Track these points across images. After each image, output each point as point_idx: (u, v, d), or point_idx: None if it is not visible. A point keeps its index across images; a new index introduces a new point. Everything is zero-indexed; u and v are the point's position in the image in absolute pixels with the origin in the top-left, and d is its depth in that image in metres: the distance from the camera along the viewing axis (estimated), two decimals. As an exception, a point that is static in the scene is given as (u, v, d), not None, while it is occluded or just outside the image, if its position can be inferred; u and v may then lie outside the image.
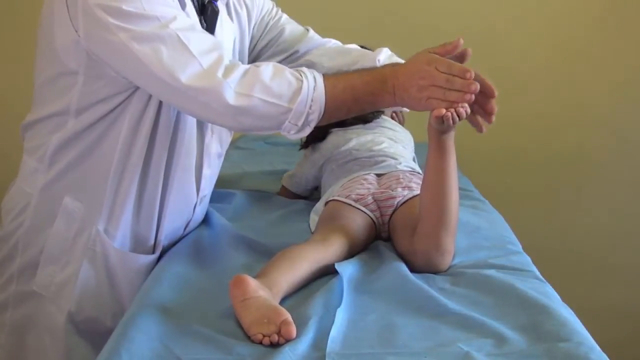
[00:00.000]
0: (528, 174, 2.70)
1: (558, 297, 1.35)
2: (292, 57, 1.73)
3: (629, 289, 2.77)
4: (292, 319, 1.20)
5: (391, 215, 1.62)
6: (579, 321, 1.25)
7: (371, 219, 1.61)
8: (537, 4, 2.60)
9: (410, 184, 1.66)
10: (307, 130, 1.41)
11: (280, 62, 1.71)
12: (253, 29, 1.70)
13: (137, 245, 1.57)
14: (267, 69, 1.39)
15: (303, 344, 1.16)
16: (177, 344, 1.16)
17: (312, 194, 1.97)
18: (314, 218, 1.70)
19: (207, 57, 1.36)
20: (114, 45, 1.36)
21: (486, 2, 2.60)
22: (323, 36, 1.82)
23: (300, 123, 1.39)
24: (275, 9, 1.76)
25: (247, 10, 1.67)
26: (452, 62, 1.38)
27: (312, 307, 1.27)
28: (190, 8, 1.50)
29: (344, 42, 2.05)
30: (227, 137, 1.69)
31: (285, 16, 1.77)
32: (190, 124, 1.54)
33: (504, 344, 1.16)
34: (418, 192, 1.63)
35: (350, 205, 1.62)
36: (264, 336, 1.17)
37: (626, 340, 2.71)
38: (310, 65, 1.66)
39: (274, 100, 1.37)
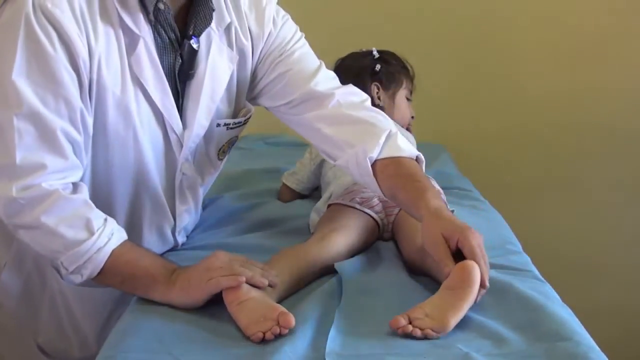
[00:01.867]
0: (527, 173, 2.70)
1: (557, 297, 1.35)
2: (290, 105, 1.55)
3: (628, 289, 2.77)
4: (291, 318, 1.20)
5: (396, 215, 1.62)
6: (578, 321, 1.25)
7: (375, 220, 1.61)
8: (541, 4, 2.59)
9: None
10: (79, 279, 1.35)
11: (279, 106, 1.57)
12: (257, 64, 1.56)
13: None
14: (68, 204, 1.31)
15: (302, 344, 1.16)
16: (176, 345, 1.16)
17: (313, 194, 1.97)
18: (314, 218, 1.70)
19: (26, 167, 1.28)
20: None
21: (488, 3, 2.60)
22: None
23: (70, 269, 1.33)
24: (291, 43, 1.57)
25: (252, 43, 1.53)
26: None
27: (311, 307, 1.27)
28: (144, 49, 1.37)
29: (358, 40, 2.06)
30: (211, 169, 1.59)
31: (300, 52, 1.57)
32: (156, 162, 1.46)
33: (503, 344, 1.16)
34: None
35: (353, 207, 1.62)
36: (264, 334, 1.17)
37: (625, 340, 2.71)
38: (308, 126, 1.54)
39: (51, 237, 1.31)
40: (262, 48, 1.55)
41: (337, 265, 1.42)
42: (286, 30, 1.57)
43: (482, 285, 1.25)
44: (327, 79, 1.57)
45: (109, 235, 1.33)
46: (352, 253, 1.51)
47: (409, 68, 2.05)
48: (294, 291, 1.36)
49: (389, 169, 1.46)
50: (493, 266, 1.45)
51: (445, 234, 1.28)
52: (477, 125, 2.66)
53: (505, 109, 2.65)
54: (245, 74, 1.55)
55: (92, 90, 1.33)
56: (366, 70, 2.00)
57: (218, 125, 1.52)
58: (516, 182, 2.70)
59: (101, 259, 1.32)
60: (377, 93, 1.99)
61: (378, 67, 1.99)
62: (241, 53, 1.52)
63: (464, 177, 2.14)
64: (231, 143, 1.60)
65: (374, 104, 1.93)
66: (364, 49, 2.07)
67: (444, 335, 1.18)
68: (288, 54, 1.56)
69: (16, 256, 1.54)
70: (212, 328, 1.22)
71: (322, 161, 1.90)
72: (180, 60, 1.44)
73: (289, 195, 1.96)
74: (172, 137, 1.46)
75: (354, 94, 1.57)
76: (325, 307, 1.28)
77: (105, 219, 1.35)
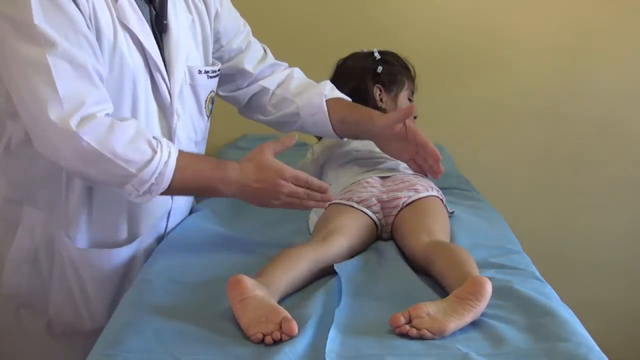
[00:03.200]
0: (527, 173, 2.70)
1: (557, 297, 1.35)
2: (244, 75, 1.81)
3: (628, 289, 2.77)
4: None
5: (395, 216, 1.62)
6: (578, 321, 1.25)
7: (373, 220, 1.61)
8: (539, 3, 2.59)
9: (416, 187, 1.65)
10: (149, 198, 1.43)
11: (242, 71, 1.81)
12: (220, 28, 1.73)
13: (106, 240, 1.58)
14: (126, 130, 1.39)
15: (302, 344, 1.15)
16: (176, 345, 1.16)
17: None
18: (313, 218, 1.70)
19: (70, 100, 1.35)
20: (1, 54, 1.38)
21: (487, 4, 2.60)
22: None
23: (142, 190, 1.41)
24: (243, 21, 1.81)
25: (205, 5, 1.68)
26: (309, 178, 1.50)
27: (311, 307, 1.27)
28: (127, 0, 1.47)
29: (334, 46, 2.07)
30: (201, 123, 1.70)
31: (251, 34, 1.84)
32: (148, 111, 1.53)
33: (502, 344, 1.16)
34: (423, 194, 1.63)
35: (351, 207, 1.61)
36: (264, 335, 1.17)
37: (625, 340, 2.71)
38: (262, 91, 1.82)
39: (122, 163, 1.38)
40: (218, 10, 1.72)
41: (336, 267, 1.42)
42: (234, 16, 1.79)
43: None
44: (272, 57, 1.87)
45: (168, 147, 1.43)
46: (352, 254, 1.51)
47: (411, 68, 2.05)
48: (294, 291, 1.36)
49: (336, 104, 1.79)
50: (493, 266, 1.45)
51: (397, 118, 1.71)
52: (477, 125, 2.66)
53: (506, 108, 2.65)
54: (206, 31, 1.69)
55: (93, 34, 1.42)
56: (368, 72, 2.00)
57: (200, 72, 1.65)
58: (516, 182, 2.69)
59: (169, 172, 1.41)
60: (380, 95, 1.99)
61: (380, 69, 1.99)
62: (199, 15, 1.67)
63: (464, 177, 2.14)
64: (212, 99, 1.73)
65: (376, 106, 1.93)
66: (365, 50, 2.06)
67: (440, 338, 1.18)
68: (246, 33, 1.81)
69: (23, 232, 1.57)
70: (212, 327, 1.22)
71: (324, 162, 1.90)
72: (154, 12, 1.54)
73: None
74: (159, 81, 1.54)
75: (284, 64, 1.88)
76: (325, 307, 1.27)
77: (157, 137, 1.44)
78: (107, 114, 1.40)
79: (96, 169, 1.39)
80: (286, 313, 1.20)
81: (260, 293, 1.24)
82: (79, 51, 1.37)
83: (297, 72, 1.87)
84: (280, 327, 1.17)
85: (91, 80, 1.38)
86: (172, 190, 1.45)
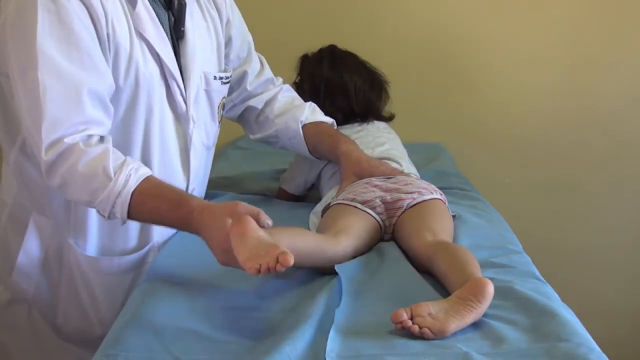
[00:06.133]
0: (527, 173, 2.70)
1: (558, 297, 1.35)
2: (240, 87, 1.85)
3: (629, 289, 2.77)
4: (292, 319, 1.20)
5: (398, 217, 1.61)
6: (579, 322, 1.25)
7: (377, 222, 1.60)
8: (539, 4, 2.59)
9: (420, 189, 1.65)
10: (119, 222, 1.41)
11: (242, 79, 1.84)
12: (231, 36, 1.76)
13: (116, 247, 1.58)
14: (87, 156, 1.36)
15: (302, 344, 1.15)
16: (176, 344, 1.16)
17: (310, 194, 1.97)
18: (313, 220, 1.70)
19: (48, 123, 1.34)
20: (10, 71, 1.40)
21: (485, 3, 2.60)
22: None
23: (106, 215, 1.39)
24: (248, 35, 1.84)
25: (218, 12, 1.71)
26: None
27: (311, 307, 1.27)
28: (143, 7, 1.48)
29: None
30: (213, 128, 1.71)
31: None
32: (162, 118, 1.54)
33: (503, 344, 1.16)
34: (427, 196, 1.63)
35: (356, 207, 1.61)
36: (260, 266, 1.16)
37: (626, 340, 2.71)
38: (250, 110, 1.87)
39: (81, 189, 1.38)
40: (230, 17, 1.75)
41: (337, 267, 1.41)
42: (243, 20, 1.82)
43: None
44: (268, 70, 1.91)
45: (126, 177, 1.37)
46: (357, 254, 1.51)
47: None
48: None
49: (311, 130, 1.83)
50: (494, 266, 1.45)
51: (354, 173, 1.72)
52: (477, 124, 2.66)
53: (505, 108, 2.65)
54: (219, 37, 1.72)
55: (110, 45, 1.42)
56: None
57: (215, 77, 1.68)
58: (516, 182, 2.69)
59: (124, 202, 1.37)
60: None
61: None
62: (213, 23, 1.70)
63: (464, 177, 2.14)
64: (223, 105, 1.75)
65: None
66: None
67: (440, 339, 1.18)
68: (249, 42, 1.84)
69: (31, 239, 1.58)
70: (211, 327, 1.22)
71: (324, 166, 1.89)
72: (173, 18, 1.56)
73: (286, 198, 1.96)
74: (175, 89, 1.55)
75: (278, 80, 1.92)
76: (325, 307, 1.27)
77: (123, 162, 1.39)
78: (89, 135, 1.38)
79: (65, 192, 1.41)
80: (285, 248, 1.18)
81: (262, 234, 1.23)
82: (79, 70, 1.36)
83: (286, 91, 1.90)
84: (277, 259, 1.16)
85: (80, 101, 1.36)
86: (136, 217, 1.41)
